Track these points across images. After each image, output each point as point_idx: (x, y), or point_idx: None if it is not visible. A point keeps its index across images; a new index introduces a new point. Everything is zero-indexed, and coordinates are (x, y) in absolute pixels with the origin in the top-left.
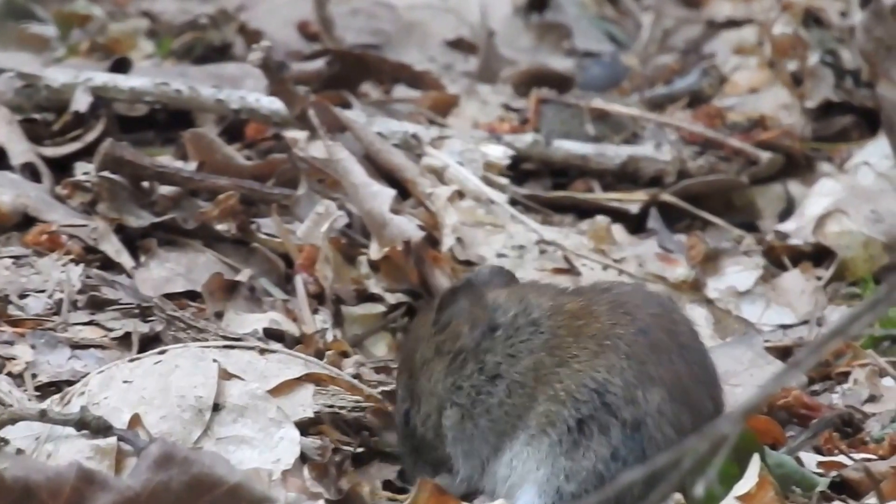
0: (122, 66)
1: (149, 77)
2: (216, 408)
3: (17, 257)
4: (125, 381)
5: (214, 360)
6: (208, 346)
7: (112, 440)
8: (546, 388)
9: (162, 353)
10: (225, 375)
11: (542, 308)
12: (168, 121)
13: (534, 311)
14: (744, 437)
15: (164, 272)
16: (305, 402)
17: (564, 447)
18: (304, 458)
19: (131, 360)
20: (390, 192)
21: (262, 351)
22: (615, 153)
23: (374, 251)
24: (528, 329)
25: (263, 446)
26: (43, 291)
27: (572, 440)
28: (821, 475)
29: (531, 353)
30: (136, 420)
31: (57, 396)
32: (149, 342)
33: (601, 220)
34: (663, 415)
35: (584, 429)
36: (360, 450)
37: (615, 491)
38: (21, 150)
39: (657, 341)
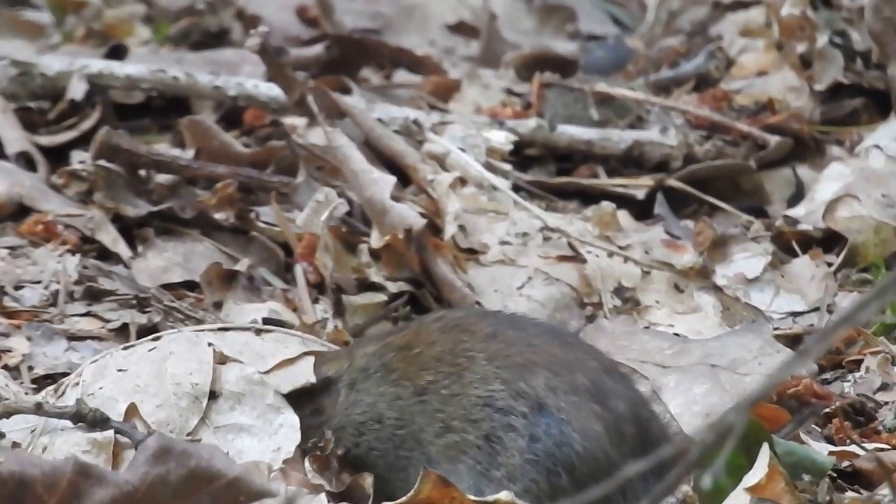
0: (118, 52)
1: (145, 64)
2: (213, 395)
3: (12, 248)
4: (119, 370)
5: (210, 344)
6: (203, 330)
7: (109, 433)
8: (428, 422)
9: (156, 339)
10: (221, 359)
11: (367, 354)
12: (165, 108)
13: (359, 361)
14: (751, 427)
15: (162, 262)
16: (307, 373)
17: (483, 465)
18: (305, 450)
19: (125, 348)
20: (391, 179)
21: (259, 331)
22: (620, 138)
23: (375, 239)
24: (361, 380)
25: (263, 434)
26: (39, 282)
27: (486, 454)
28: (831, 456)
29: (369, 392)
30: (132, 410)
31: (51, 388)
32: (146, 333)
33: (606, 206)
34: (555, 389)
35: (491, 439)
36: None
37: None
38: (16, 139)
39: (509, 338)
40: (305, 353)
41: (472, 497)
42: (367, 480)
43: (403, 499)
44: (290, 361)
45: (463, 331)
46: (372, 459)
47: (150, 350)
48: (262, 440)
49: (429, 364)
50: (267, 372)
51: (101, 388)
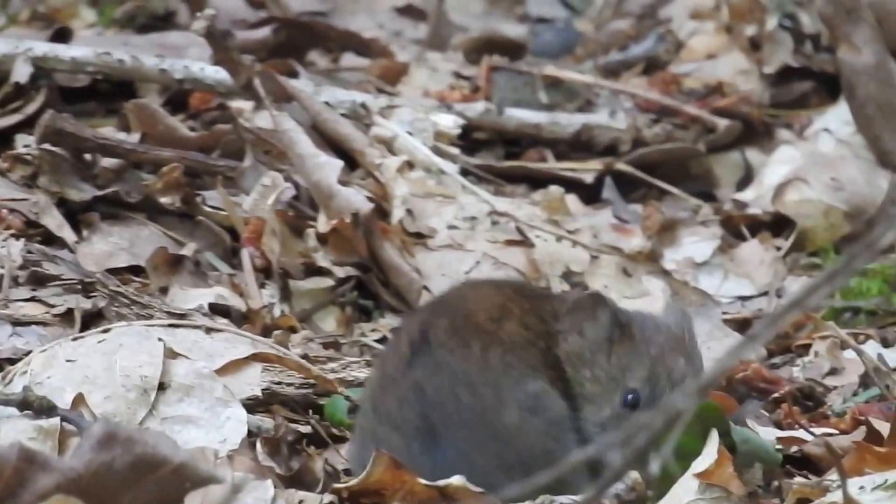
0: (62, 35)
1: (90, 47)
2: (161, 387)
3: None
4: (68, 360)
5: (160, 339)
6: (153, 325)
7: (55, 420)
8: None
9: (106, 331)
10: (170, 354)
11: None
12: (110, 91)
13: None
14: (709, 411)
15: (107, 246)
16: (253, 381)
17: None
18: (253, 435)
19: (74, 339)
20: (338, 163)
21: (209, 330)
22: (569, 121)
23: (322, 223)
24: None
25: (210, 426)
26: None
27: None
28: (780, 450)
29: None
30: (79, 400)
31: None
32: (92, 318)
33: (555, 190)
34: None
35: None
36: (308, 429)
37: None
38: None
39: None
40: (254, 356)
41: (422, 481)
42: (318, 464)
43: (355, 481)
44: (239, 363)
45: None
46: None
47: (99, 342)
48: (209, 432)
49: None
50: (215, 371)
51: (49, 378)
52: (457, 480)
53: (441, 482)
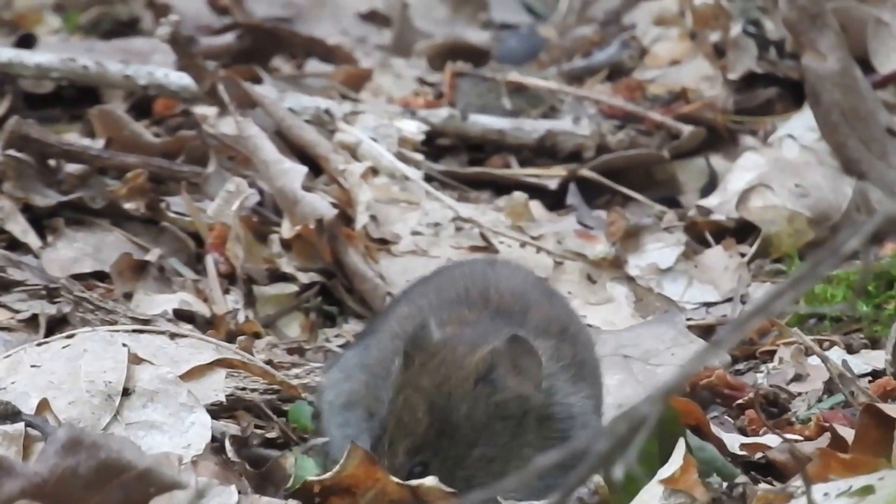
0: (27, 41)
1: (55, 53)
2: (126, 392)
3: None
4: (33, 366)
5: (124, 345)
6: (118, 331)
7: (20, 426)
8: None
9: (70, 336)
10: (135, 360)
11: None
12: (75, 97)
13: None
14: (668, 417)
15: (72, 252)
16: (217, 387)
17: None
18: (218, 440)
19: (39, 345)
20: (302, 169)
21: (173, 335)
22: (533, 127)
23: (286, 229)
24: None
25: (174, 431)
26: None
27: None
28: (745, 457)
29: None
30: (44, 405)
31: None
32: (56, 324)
33: (519, 196)
34: None
35: None
36: (274, 434)
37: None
38: None
39: None
40: (219, 361)
41: (395, 480)
42: (289, 460)
43: (328, 475)
44: (204, 368)
45: None
46: None
47: (64, 347)
48: (174, 437)
49: None
50: (179, 377)
51: (13, 383)
52: (429, 482)
53: (413, 482)
